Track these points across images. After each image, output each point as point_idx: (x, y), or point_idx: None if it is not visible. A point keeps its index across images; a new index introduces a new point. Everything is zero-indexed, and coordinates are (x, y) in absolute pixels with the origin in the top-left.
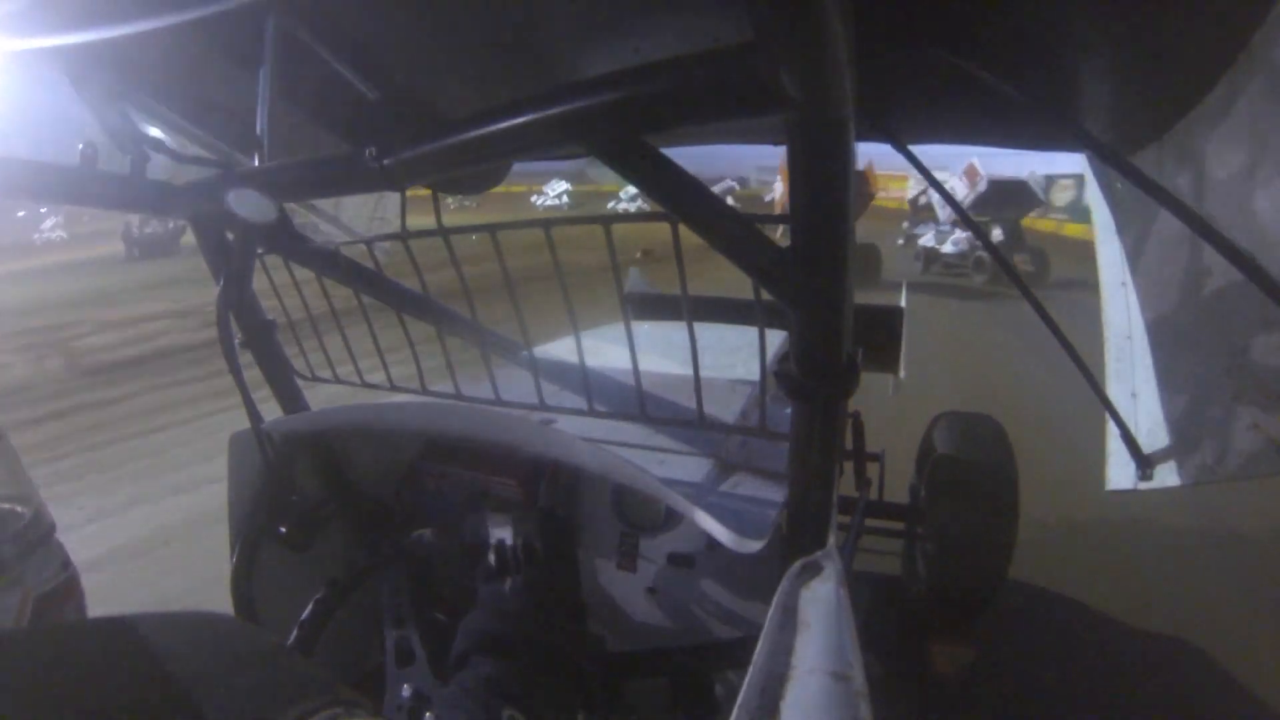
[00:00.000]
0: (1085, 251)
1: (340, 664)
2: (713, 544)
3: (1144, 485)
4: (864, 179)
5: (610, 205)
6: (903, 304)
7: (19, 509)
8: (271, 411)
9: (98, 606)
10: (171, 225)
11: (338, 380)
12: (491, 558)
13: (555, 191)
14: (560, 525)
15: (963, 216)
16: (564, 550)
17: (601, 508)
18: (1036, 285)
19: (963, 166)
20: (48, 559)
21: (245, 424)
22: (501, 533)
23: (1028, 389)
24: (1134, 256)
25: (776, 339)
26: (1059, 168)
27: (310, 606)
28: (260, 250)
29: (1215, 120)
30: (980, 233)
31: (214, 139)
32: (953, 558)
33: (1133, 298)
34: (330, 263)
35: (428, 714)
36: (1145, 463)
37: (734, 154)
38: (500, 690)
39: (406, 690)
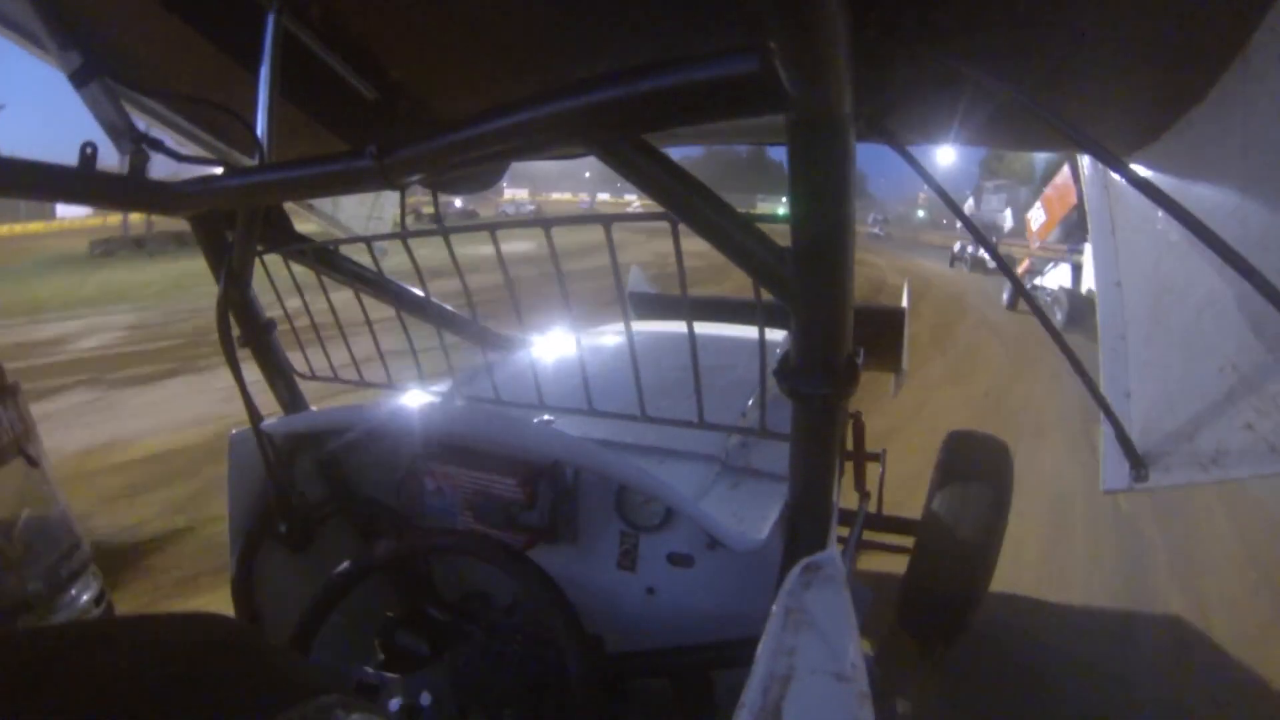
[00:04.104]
0: None
1: (340, 664)
2: (713, 544)
3: (1139, 486)
4: None
5: None
6: (904, 304)
7: (55, 538)
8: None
9: None
10: None
11: (338, 379)
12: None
13: None
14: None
15: (966, 224)
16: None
17: (601, 508)
18: None
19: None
20: (83, 591)
21: None
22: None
23: None
24: (1128, 256)
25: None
26: None
27: (309, 607)
28: (260, 250)
29: (1212, 122)
30: (987, 243)
31: (214, 139)
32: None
33: (1127, 297)
34: (330, 262)
35: (427, 715)
36: (1139, 463)
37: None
38: (500, 691)
39: (407, 690)
